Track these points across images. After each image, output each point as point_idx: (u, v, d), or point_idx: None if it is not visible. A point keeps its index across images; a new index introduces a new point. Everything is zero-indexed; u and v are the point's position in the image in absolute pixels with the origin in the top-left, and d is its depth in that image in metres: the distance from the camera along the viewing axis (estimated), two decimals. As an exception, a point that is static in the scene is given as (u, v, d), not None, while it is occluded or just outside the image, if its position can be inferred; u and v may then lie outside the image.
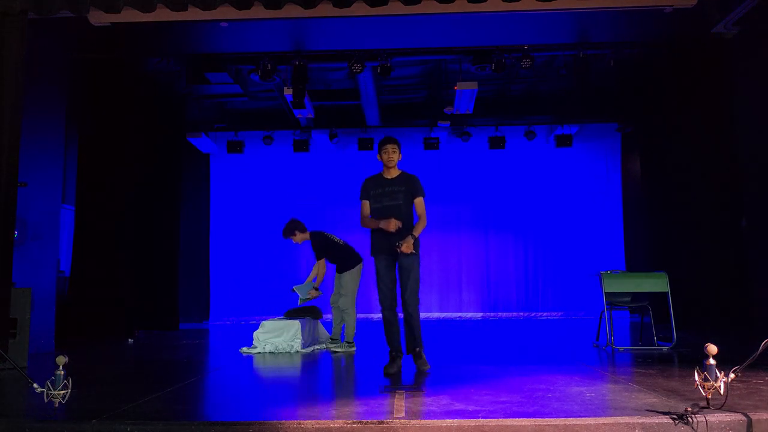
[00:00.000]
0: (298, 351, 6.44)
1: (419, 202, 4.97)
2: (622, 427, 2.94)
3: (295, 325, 6.60)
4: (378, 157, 5.12)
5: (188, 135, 10.84)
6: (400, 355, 4.92)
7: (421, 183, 5.09)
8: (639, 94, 10.19)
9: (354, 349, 6.67)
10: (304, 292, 6.97)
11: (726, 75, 7.53)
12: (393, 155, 5.06)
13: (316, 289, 6.91)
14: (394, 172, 5.12)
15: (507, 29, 7.55)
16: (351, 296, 6.73)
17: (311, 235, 6.97)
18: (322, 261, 6.86)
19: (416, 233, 4.81)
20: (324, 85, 10.30)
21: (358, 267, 6.85)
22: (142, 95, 9.06)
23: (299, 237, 6.97)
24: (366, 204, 5.06)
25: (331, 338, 6.99)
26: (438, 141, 11.18)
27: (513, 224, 11.90)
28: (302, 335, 6.56)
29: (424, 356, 4.91)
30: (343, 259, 6.85)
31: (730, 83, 7.37)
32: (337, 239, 7.03)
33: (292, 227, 6.98)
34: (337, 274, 6.93)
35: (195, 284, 11.50)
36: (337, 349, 6.61)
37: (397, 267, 4.89)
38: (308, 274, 7.22)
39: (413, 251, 4.74)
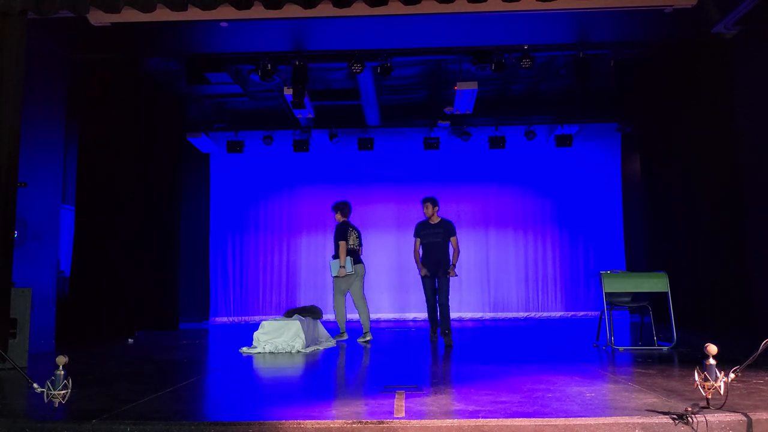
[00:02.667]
0: (298, 351, 6.43)
1: (454, 240, 7.20)
2: (622, 427, 2.94)
3: (295, 325, 6.60)
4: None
5: (188, 135, 10.85)
6: (436, 327, 7.28)
7: (454, 226, 7.30)
8: (639, 94, 10.19)
9: (345, 337, 7.55)
10: (334, 269, 7.44)
11: (726, 75, 7.53)
12: (426, 211, 7.26)
13: (343, 267, 7.36)
14: (435, 219, 7.28)
15: (507, 29, 7.55)
16: (335, 293, 7.51)
17: (341, 223, 7.60)
18: (342, 243, 7.36)
19: (455, 262, 7.12)
20: (324, 85, 10.29)
21: (358, 268, 7.48)
22: (142, 95, 9.06)
23: (338, 216, 7.67)
24: (417, 240, 7.25)
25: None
26: (438, 141, 11.18)
27: (513, 224, 11.91)
28: (302, 335, 6.56)
29: (450, 336, 6.93)
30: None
31: (730, 83, 7.37)
32: (354, 239, 7.54)
33: (338, 207, 7.72)
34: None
35: (195, 284, 11.51)
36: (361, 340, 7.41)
37: (436, 281, 7.12)
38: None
39: (452, 275, 7.07)
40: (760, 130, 6.62)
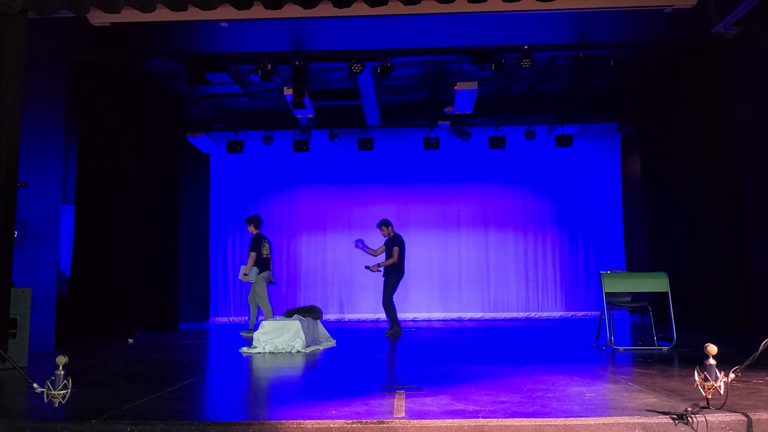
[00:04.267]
0: (298, 351, 6.43)
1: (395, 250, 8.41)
2: (622, 427, 2.94)
3: (295, 325, 6.60)
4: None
5: (188, 135, 10.84)
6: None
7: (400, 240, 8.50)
8: (639, 94, 10.19)
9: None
10: (252, 275, 8.59)
11: (726, 75, 7.53)
12: (384, 232, 8.61)
13: (246, 275, 8.64)
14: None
15: (507, 29, 7.54)
16: (263, 295, 8.70)
17: (256, 235, 8.85)
18: (253, 254, 8.65)
19: (382, 263, 8.45)
20: (324, 85, 10.29)
21: (264, 275, 8.71)
22: (142, 95, 9.05)
23: (251, 228, 8.92)
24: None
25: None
26: (438, 141, 11.18)
27: (513, 224, 11.90)
28: (302, 335, 6.56)
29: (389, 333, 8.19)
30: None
31: (730, 83, 7.37)
32: (266, 250, 8.80)
33: (251, 220, 9.00)
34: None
35: (195, 284, 11.50)
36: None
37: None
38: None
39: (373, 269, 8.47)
40: (761, 130, 6.62)
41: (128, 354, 6.53)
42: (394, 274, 8.29)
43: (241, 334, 8.72)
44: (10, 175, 5.39)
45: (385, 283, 8.32)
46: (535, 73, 9.67)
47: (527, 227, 11.90)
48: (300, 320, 6.71)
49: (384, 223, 8.58)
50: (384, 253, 8.54)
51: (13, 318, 5.32)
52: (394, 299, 8.29)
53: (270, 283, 8.98)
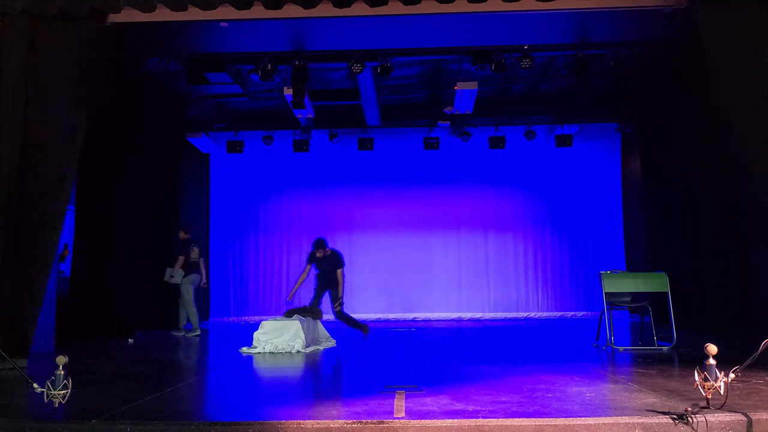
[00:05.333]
0: (298, 351, 6.43)
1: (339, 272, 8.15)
2: (622, 427, 2.94)
3: (295, 325, 6.60)
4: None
5: (188, 135, 10.83)
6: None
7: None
8: (639, 94, 10.18)
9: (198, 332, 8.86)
10: (178, 277, 8.87)
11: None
12: (319, 254, 8.12)
13: (173, 277, 8.95)
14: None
15: (507, 29, 7.54)
16: (188, 296, 8.97)
17: (185, 240, 9.01)
18: (181, 258, 8.88)
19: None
20: (324, 85, 10.29)
21: (189, 277, 8.91)
22: (142, 95, 9.05)
23: (182, 234, 9.07)
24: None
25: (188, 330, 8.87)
26: (438, 141, 11.17)
27: (513, 224, 11.90)
28: (302, 335, 6.56)
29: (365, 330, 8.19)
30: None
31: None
32: (195, 254, 9.03)
33: (181, 226, 9.22)
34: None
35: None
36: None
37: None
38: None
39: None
40: (760, 129, 6.59)
41: (128, 354, 6.54)
42: (334, 287, 8.07)
43: (187, 336, 8.68)
44: (10, 175, 5.39)
45: (333, 298, 8.09)
46: (535, 73, 9.67)
47: (527, 227, 11.89)
48: (300, 320, 6.71)
49: (322, 245, 8.10)
50: (322, 276, 8.16)
51: (13, 318, 5.32)
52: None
53: (203, 286, 9.40)
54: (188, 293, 8.93)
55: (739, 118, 5.80)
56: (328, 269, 8.13)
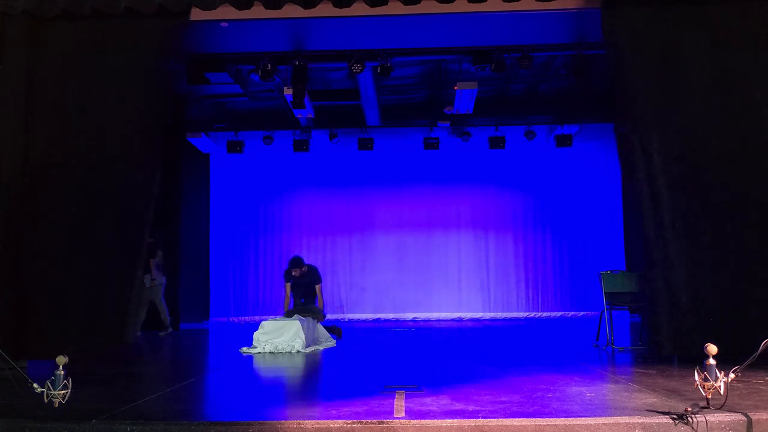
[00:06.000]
0: (298, 351, 6.43)
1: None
2: (622, 427, 2.94)
3: (295, 325, 6.60)
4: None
5: (188, 135, 10.83)
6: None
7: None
8: (639, 94, 10.17)
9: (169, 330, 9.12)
10: (147, 281, 8.80)
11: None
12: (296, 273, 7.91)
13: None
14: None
15: (507, 29, 7.54)
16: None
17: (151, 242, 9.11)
18: (151, 261, 8.92)
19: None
20: (324, 85, 10.28)
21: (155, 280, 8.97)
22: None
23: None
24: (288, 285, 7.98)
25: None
26: (438, 141, 11.17)
27: (513, 224, 11.90)
28: (302, 335, 6.56)
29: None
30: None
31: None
32: (160, 258, 9.10)
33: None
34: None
35: (195, 284, 11.49)
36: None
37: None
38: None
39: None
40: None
41: (128, 354, 6.54)
42: (312, 302, 7.98)
43: (160, 334, 8.92)
44: (11, 175, 5.39)
45: (312, 313, 7.90)
46: (534, 73, 9.66)
47: (527, 226, 11.89)
48: (300, 320, 6.71)
49: (298, 264, 7.93)
50: (298, 292, 8.03)
51: (13, 318, 5.32)
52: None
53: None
54: (159, 293, 9.20)
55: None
56: (305, 286, 8.01)
